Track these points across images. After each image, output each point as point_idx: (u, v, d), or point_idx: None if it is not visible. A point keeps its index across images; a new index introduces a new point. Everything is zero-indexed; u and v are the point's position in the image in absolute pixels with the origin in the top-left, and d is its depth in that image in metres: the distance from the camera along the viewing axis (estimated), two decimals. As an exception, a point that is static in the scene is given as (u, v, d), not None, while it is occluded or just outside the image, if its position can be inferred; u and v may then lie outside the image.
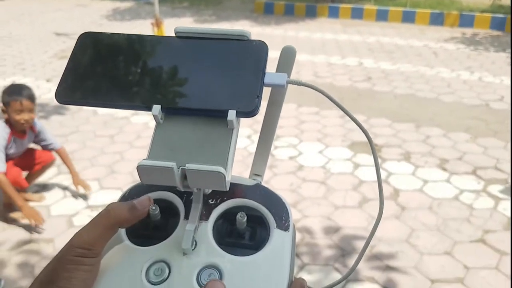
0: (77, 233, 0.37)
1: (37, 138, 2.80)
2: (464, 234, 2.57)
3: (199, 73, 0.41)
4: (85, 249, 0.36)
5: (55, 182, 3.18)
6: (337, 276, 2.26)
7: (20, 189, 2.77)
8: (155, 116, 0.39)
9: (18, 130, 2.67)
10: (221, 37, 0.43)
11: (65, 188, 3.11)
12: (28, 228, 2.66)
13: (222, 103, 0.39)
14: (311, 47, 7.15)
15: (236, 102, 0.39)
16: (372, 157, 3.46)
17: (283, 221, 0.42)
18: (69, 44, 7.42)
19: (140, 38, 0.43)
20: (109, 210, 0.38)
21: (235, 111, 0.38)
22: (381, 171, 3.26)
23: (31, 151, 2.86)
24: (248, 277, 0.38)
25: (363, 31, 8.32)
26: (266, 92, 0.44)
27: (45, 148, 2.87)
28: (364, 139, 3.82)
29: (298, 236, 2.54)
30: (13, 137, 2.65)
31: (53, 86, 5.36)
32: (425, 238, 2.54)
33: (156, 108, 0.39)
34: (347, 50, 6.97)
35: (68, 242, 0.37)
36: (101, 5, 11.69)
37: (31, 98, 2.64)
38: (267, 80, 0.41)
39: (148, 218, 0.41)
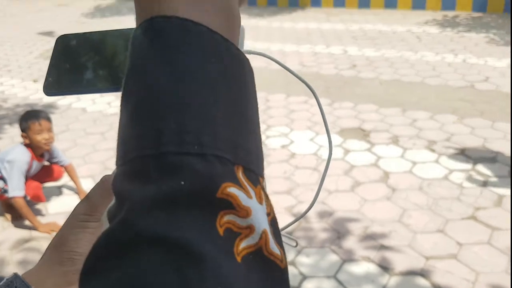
0: (79, 202, 0.44)
1: (51, 156, 2.91)
2: (455, 212, 2.64)
3: None
4: (87, 215, 0.43)
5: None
6: (334, 257, 2.32)
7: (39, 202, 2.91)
8: None
9: (38, 154, 2.79)
10: None
11: (60, 186, 3.12)
12: (28, 226, 2.68)
13: None
14: (296, 37, 7.19)
15: None
16: (361, 142, 3.53)
17: None
18: (54, 44, 7.38)
19: (106, 33, 0.50)
20: (103, 180, 0.45)
21: None
22: (371, 155, 3.34)
23: (44, 167, 2.94)
24: None
25: (346, 19, 8.37)
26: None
27: (55, 164, 2.96)
28: (353, 125, 3.88)
29: (294, 221, 2.59)
30: (33, 161, 2.76)
31: (41, 86, 5.33)
32: (417, 217, 2.61)
33: None
34: (331, 38, 7.02)
35: (73, 210, 0.44)
36: (82, 4, 11.57)
37: (48, 118, 2.81)
38: None
39: None
